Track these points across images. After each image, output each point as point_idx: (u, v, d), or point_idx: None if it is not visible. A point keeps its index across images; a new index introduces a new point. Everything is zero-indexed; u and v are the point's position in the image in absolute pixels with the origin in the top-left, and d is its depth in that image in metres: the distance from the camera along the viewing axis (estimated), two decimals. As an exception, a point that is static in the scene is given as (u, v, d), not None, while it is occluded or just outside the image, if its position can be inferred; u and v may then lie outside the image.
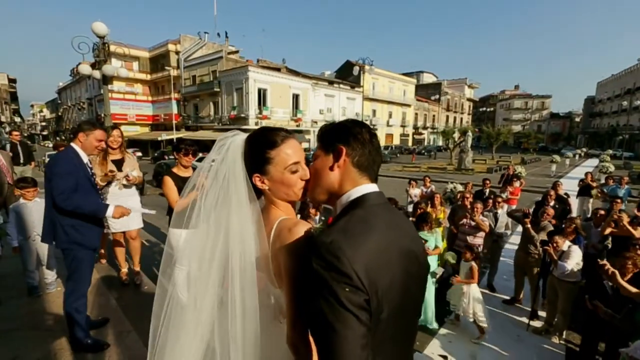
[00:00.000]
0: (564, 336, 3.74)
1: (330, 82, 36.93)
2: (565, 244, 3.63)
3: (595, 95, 61.92)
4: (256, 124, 28.96)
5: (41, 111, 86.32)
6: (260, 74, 28.79)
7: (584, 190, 8.38)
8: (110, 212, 2.27)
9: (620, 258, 2.68)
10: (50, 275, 3.21)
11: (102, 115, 41.93)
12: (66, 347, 2.35)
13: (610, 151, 36.98)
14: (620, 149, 38.92)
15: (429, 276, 3.75)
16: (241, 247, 0.92)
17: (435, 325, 3.76)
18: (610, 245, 4.34)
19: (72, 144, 2.27)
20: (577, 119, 69.69)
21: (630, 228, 3.87)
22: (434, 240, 3.90)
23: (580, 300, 3.38)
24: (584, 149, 43.93)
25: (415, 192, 6.92)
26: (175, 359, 0.99)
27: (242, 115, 28.73)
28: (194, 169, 3.04)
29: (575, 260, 3.51)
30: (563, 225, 4.12)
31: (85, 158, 2.29)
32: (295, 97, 32.00)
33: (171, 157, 23.57)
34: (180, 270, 2.87)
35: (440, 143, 46.10)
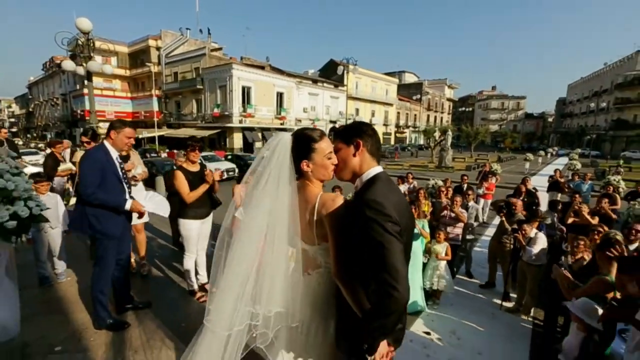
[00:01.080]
0: (531, 314, 4.19)
1: (314, 81, 37.15)
2: (532, 231, 4.09)
3: (566, 97, 65.02)
4: (240, 122, 28.81)
5: (9, 106, 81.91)
6: (244, 72, 28.66)
7: (553, 185, 9.08)
8: (128, 206, 2.47)
9: (574, 239, 3.12)
10: (61, 266, 3.33)
11: (78, 111, 40.21)
12: (89, 327, 2.54)
13: (579, 150, 39.05)
14: (589, 147, 41.13)
15: (419, 261, 4.14)
16: (282, 214, 1.23)
17: (425, 306, 4.13)
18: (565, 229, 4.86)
19: (104, 141, 2.46)
20: (550, 119, 72.91)
21: (588, 217, 4.38)
22: (422, 225, 4.27)
23: (545, 281, 3.84)
24: (556, 148, 46.14)
25: (403, 188, 7.36)
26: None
27: (226, 113, 28.52)
28: (201, 164, 3.26)
29: (540, 245, 3.97)
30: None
31: (114, 154, 2.46)
32: (280, 96, 32.03)
33: (153, 154, 23.20)
34: (189, 258, 3.12)
35: (422, 142, 47.20)
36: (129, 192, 2.57)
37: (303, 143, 1.31)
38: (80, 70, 9.72)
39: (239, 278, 1.21)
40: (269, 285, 1.20)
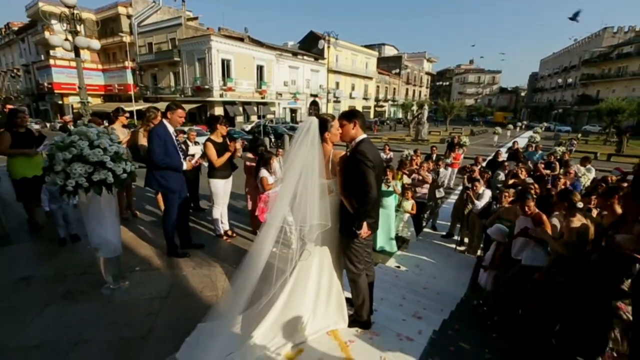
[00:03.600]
0: (478, 253, 5.39)
1: (294, 54, 36.74)
2: (481, 189, 5.19)
3: (538, 72, 67.31)
4: (221, 95, 28.56)
5: (-38, 77, 75.23)
6: (223, 44, 28.04)
7: (512, 155, 10.44)
8: (184, 167, 3.35)
9: (502, 191, 4.24)
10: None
11: (45, 84, 37.73)
12: (153, 256, 3.44)
13: (545, 124, 41.49)
14: (555, 121, 43.62)
15: (393, 213, 5.16)
16: (314, 163, 2.11)
17: (395, 248, 5.22)
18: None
19: (163, 120, 3.26)
20: (523, 94, 75.46)
21: (523, 177, 5.54)
22: (395, 184, 5.28)
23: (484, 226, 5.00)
24: (525, 122, 48.50)
25: (384, 156, 8.46)
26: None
27: (206, 86, 28.13)
28: (223, 136, 3.98)
29: (485, 199, 5.09)
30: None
31: (171, 129, 3.25)
32: (260, 69, 31.67)
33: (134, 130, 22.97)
34: (217, 209, 4.06)
35: (400, 115, 48.34)
36: (183, 157, 3.37)
37: (324, 122, 2.19)
38: (67, 45, 9.74)
39: (287, 196, 2.11)
40: (310, 206, 2.08)
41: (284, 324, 2.20)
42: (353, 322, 2.45)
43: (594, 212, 2.93)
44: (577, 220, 2.36)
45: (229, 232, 4.21)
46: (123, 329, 2.29)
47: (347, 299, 2.56)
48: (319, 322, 2.33)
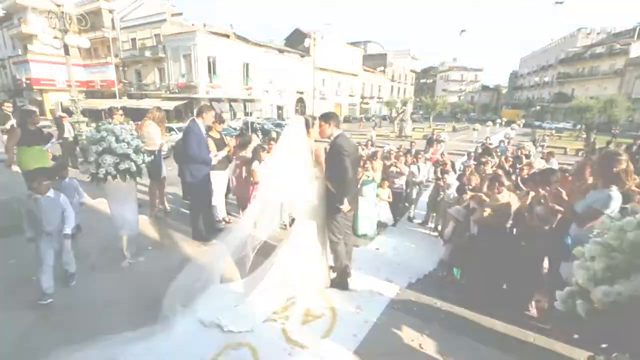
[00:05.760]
0: (449, 236, 6.04)
1: (280, 51, 36.95)
2: (450, 178, 5.84)
3: (518, 70, 69.55)
4: (207, 92, 28.59)
5: None
6: (209, 41, 28.09)
7: (486, 150, 11.28)
8: (213, 161, 3.90)
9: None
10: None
11: (23, 79, 36.63)
12: (161, 237, 3.91)
13: (524, 120, 43.20)
14: (532, 118, 45.40)
15: (374, 198, 5.74)
16: (304, 153, 2.63)
17: (375, 233, 5.81)
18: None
19: (196, 119, 3.76)
20: (504, 91, 77.72)
21: (487, 168, 6.23)
22: (375, 175, 5.86)
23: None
24: (504, 119, 50.24)
25: (365, 152, 9.03)
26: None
27: (192, 83, 28.12)
28: (220, 132, 4.51)
29: (454, 188, 5.73)
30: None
31: (202, 128, 3.78)
32: (246, 66, 31.79)
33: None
34: (216, 197, 4.55)
35: (385, 112, 49.29)
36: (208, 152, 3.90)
37: (307, 122, 2.75)
38: (57, 44, 9.89)
39: (275, 178, 2.64)
40: (299, 187, 2.62)
41: (279, 284, 2.74)
42: (335, 283, 3.01)
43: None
44: (504, 196, 3.06)
45: (226, 219, 4.71)
46: (146, 291, 2.78)
47: (330, 267, 3.12)
48: (307, 283, 2.88)
